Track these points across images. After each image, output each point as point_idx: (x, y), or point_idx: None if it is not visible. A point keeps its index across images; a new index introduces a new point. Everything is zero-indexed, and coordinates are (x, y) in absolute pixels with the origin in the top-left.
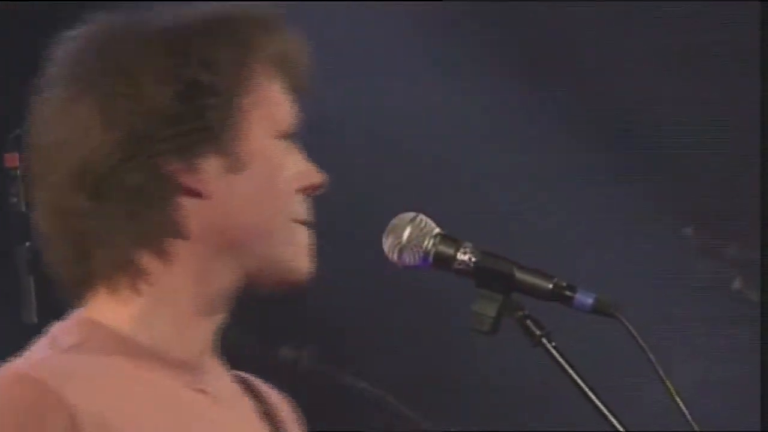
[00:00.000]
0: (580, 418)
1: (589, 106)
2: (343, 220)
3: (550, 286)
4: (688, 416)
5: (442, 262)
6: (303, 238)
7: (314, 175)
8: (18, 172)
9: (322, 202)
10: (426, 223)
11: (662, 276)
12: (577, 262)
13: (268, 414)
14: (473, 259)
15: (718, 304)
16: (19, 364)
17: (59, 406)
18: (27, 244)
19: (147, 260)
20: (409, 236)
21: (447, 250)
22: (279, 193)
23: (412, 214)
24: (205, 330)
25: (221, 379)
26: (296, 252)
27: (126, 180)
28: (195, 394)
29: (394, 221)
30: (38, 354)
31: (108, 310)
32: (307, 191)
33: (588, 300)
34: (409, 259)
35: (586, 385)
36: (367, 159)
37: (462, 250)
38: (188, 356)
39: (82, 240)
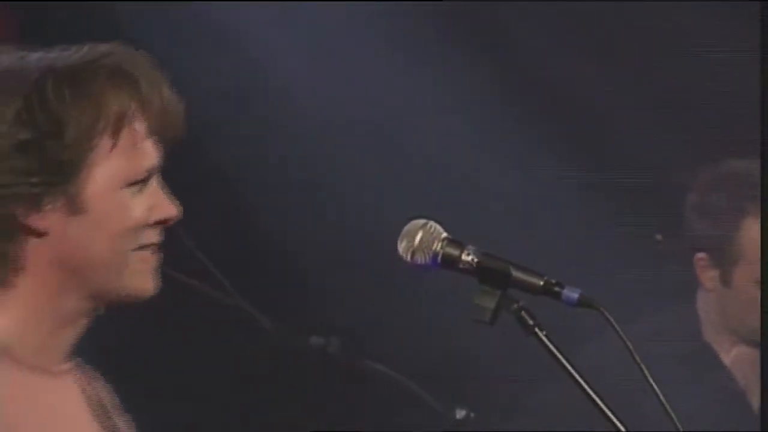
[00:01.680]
0: (567, 398)
1: (571, 122)
2: (368, 224)
3: (541, 282)
4: (666, 406)
5: (449, 262)
6: (142, 265)
7: (164, 210)
8: None
9: (345, 207)
10: (435, 228)
11: (637, 275)
12: (561, 265)
13: (97, 405)
14: (475, 260)
15: (688, 301)
16: None
17: None
18: None
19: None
20: (421, 240)
21: (453, 251)
22: (111, 232)
23: (423, 221)
24: (65, 339)
25: (70, 381)
26: (135, 276)
27: None
28: (53, 396)
29: (408, 227)
30: None
31: None
32: (159, 223)
33: (574, 295)
34: (420, 259)
35: (573, 368)
36: (379, 164)
37: (466, 251)
38: (51, 365)
39: None
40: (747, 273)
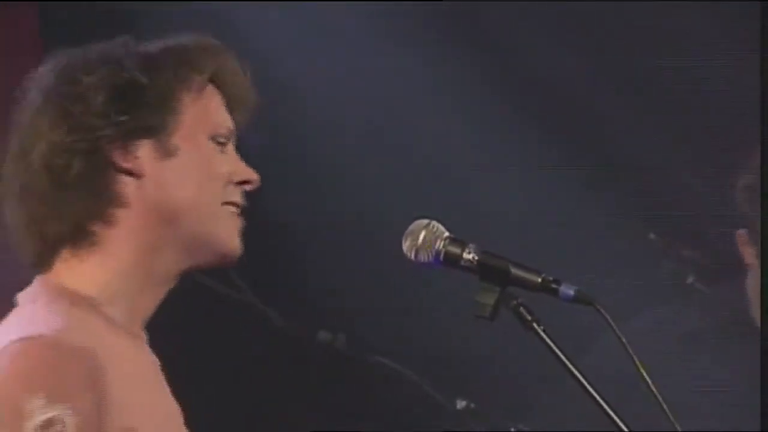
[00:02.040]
0: (565, 389)
1: (571, 121)
2: (373, 225)
3: (539, 279)
4: (659, 398)
5: (451, 260)
6: (231, 220)
7: (246, 172)
8: None
9: (352, 208)
10: (438, 228)
11: (631, 273)
12: (557, 260)
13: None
14: (476, 258)
15: (679, 296)
16: (40, 328)
17: (86, 373)
18: None
19: (98, 228)
20: (424, 239)
21: (455, 250)
22: (205, 178)
23: (426, 221)
24: (150, 302)
25: (142, 341)
26: (224, 231)
27: (77, 166)
28: (142, 357)
29: (411, 227)
30: (52, 319)
31: (75, 278)
32: (241, 184)
33: (570, 291)
34: (423, 258)
35: (569, 361)
36: (381, 164)
37: (467, 250)
38: (137, 328)
39: (43, 218)
40: None
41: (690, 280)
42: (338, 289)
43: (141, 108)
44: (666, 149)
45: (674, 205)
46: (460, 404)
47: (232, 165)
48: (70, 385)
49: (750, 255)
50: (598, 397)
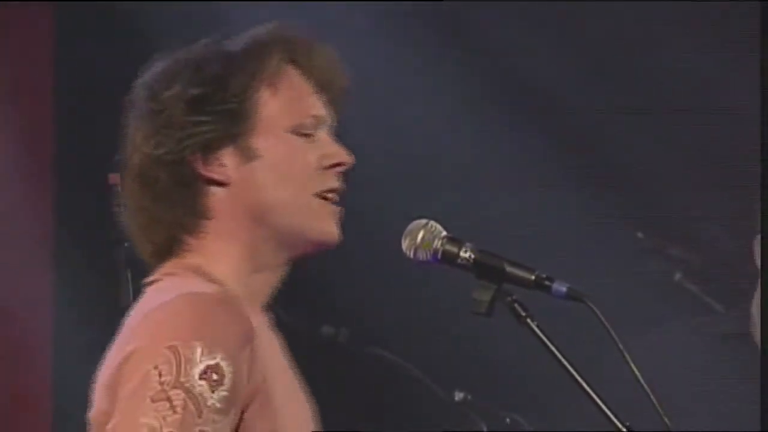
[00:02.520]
0: (557, 381)
1: (567, 122)
2: (374, 225)
3: (533, 277)
4: (649, 392)
5: (448, 259)
6: (323, 209)
7: (339, 155)
8: (118, 188)
9: (353, 209)
10: (435, 227)
11: (620, 270)
12: (549, 259)
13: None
14: (473, 257)
15: (664, 294)
16: (203, 288)
17: (243, 330)
18: (125, 244)
19: (192, 240)
20: (422, 238)
21: (452, 249)
22: (289, 173)
23: (424, 221)
24: (266, 288)
25: (264, 319)
26: (316, 221)
27: (164, 178)
28: (266, 332)
29: (410, 226)
30: (208, 286)
31: (209, 264)
32: (334, 168)
33: (562, 288)
34: (422, 256)
35: (562, 355)
36: (381, 163)
37: (464, 249)
38: (257, 304)
39: (146, 227)
40: None
41: (677, 277)
42: (341, 287)
43: (219, 116)
44: (660, 151)
45: (664, 204)
46: (458, 396)
47: (321, 151)
48: (231, 339)
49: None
50: (589, 390)
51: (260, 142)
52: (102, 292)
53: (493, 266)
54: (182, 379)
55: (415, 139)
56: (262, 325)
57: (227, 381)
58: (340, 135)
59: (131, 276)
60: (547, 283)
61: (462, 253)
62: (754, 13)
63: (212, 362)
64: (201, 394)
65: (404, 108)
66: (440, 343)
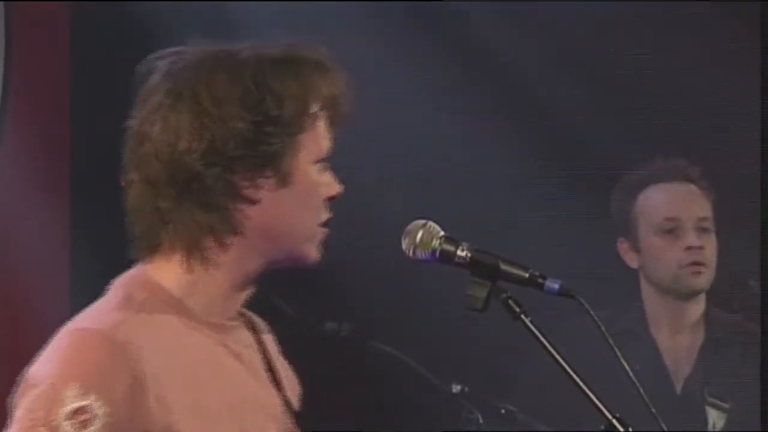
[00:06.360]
0: (550, 374)
1: (559, 122)
2: (375, 225)
3: (527, 275)
4: (640, 388)
5: (446, 257)
6: (322, 236)
7: (335, 187)
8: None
9: (353, 209)
10: (433, 227)
11: (609, 268)
12: (539, 259)
13: (262, 349)
14: (469, 255)
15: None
16: (102, 320)
17: (127, 368)
18: None
19: (209, 245)
20: (421, 238)
21: (449, 248)
22: (312, 205)
23: (423, 221)
24: (237, 300)
25: (239, 335)
26: (312, 248)
27: (204, 183)
28: (223, 349)
29: (410, 226)
30: (116, 313)
31: (166, 274)
32: (330, 200)
33: (555, 285)
34: (421, 255)
35: (554, 350)
36: (381, 163)
37: (461, 248)
38: (221, 320)
39: (163, 221)
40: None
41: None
42: (344, 283)
43: (272, 138)
44: (652, 151)
45: None
46: (456, 388)
47: (328, 183)
48: (109, 381)
49: (632, 260)
50: (579, 381)
51: (293, 171)
52: None
53: (489, 264)
54: (50, 418)
55: (414, 142)
56: (207, 340)
57: (97, 422)
58: (340, 135)
59: None
60: (540, 280)
61: (459, 252)
62: (754, 13)
63: (83, 403)
64: None
65: (404, 109)
66: (438, 338)
